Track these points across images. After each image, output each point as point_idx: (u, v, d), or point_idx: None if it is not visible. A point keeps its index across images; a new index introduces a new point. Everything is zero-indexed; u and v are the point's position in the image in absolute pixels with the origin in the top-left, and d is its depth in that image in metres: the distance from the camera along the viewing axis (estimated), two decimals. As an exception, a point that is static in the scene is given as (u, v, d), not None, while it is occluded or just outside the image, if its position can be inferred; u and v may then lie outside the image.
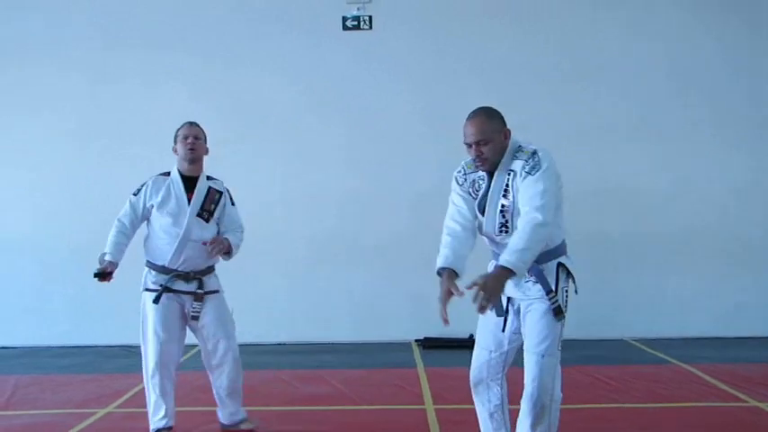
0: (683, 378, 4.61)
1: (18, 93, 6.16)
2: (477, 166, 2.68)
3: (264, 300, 6.07)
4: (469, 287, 2.40)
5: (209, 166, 6.46)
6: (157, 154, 6.03)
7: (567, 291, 2.68)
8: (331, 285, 6.08)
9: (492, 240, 2.71)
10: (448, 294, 2.59)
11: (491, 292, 2.38)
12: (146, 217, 3.54)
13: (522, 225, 2.47)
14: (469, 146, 2.65)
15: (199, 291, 3.47)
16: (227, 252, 3.56)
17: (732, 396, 4.13)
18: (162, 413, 3.43)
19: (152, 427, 3.44)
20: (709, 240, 5.85)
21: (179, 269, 3.45)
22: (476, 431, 3.55)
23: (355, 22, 6.14)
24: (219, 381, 3.57)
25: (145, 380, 3.49)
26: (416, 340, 5.92)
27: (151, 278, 3.51)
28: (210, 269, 3.60)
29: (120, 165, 6.01)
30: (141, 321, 3.53)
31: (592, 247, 6.09)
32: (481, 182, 2.70)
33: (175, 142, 3.58)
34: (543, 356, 2.62)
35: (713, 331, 5.73)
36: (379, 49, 6.15)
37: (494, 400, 2.82)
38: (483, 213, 2.66)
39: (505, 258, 2.41)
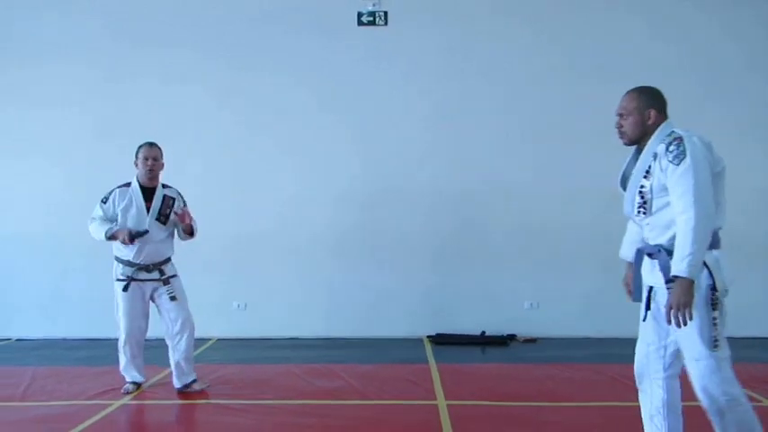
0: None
1: (33, 90, 6.21)
2: (620, 137, 2.82)
3: (278, 295, 6.10)
4: (666, 311, 2.53)
5: (226, 163, 6.55)
6: (171, 151, 6.11)
7: (708, 288, 2.57)
8: (344, 281, 6.10)
9: (633, 221, 2.82)
10: (627, 283, 2.93)
11: (682, 305, 2.48)
12: (113, 220, 4.27)
13: (680, 227, 2.50)
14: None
15: (163, 277, 4.32)
16: (191, 231, 4.43)
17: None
18: (134, 372, 4.35)
19: (128, 378, 4.35)
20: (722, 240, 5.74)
21: (141, 263, 4.27)
22: (486, 426, 3.59)
23: (371, 18, 6.14)
24: (179, 347, 4.29)
25: (118, 347, 4.40)
26: (428, 336, 5.92)
27: (119, 270, 4.30)
28: (168, 260, 4.40)
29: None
30: (114, 305, 4.36)
31: (600, 246, 6.05)
32: (628, 161, 2.81)
33: (137, 158, 4.33)
34: (698, 360, 2.59)
35: (727, 331, 5.65)
36: (394, 45, 6.14)
37: (655, 401, 2.80)
38: (624, 188, 2.78)
39: (676, 268, 2.48)
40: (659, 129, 2.68)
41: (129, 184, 4.33)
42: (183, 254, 6.00)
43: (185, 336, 4.31)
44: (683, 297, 2.47)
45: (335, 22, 6.16)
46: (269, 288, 6.12)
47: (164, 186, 4.40)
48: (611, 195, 5.90)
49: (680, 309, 2.47)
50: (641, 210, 2.67)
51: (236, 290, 6.16)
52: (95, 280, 6.09)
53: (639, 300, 2.80)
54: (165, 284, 4.30)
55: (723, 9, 6.10)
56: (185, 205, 4.45)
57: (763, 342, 5.67)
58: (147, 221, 4.23)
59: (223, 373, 4.75)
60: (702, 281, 2.60)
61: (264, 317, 6.10)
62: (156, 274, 4.30)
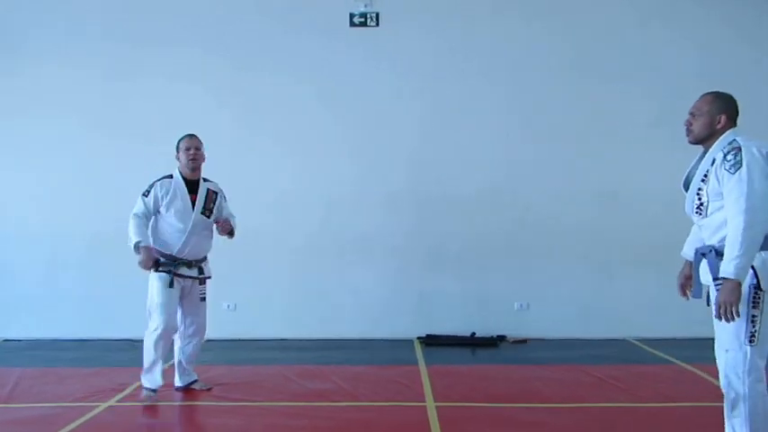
0: (686, 378, 4.61)
1: (31, 88, 6.15)
2: (687, 135, 2.92)
3: (268, 296, 6.09)
4: (716, 308, 2.69)
5: (219, 162, 6.50)
6: (166, 151, 6.07)
7: (755, 286, 2.69)
8: (335, 282, 6.09)
9: (692, 220, 2.96)
10: (683, 282, 3.10)
11: (729, 303, 2.63)
12: (154, 214, 4.15)
13: (731, 232, 2.64)
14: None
15: (201, 275, 4.25)
16: (231, 232, 4.36)
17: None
18: (158, 376, 4.09)
19: (149, 385, 4.07)
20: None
21: (185, 258, 4.15)
22: (475, 428, 3.59)
23: (362, 19, 6.14)
24: (186, 349, 4.29)
25: (147, 343, 4.11)
26: (418, 338, 5.92)
27: (161, 262, 4.13)
28: (205, 258, 4.34)
29: (132, 160, 6.03)
30: (149, 296, 4.15)
31: (591, 248, 6.10)
32: (693, 163, 2.94)
33: (178, 151, 4.22)
34: (727, 351, 2.73)
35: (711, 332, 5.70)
36: (385, 46, 6.14)
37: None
38: (687, 189, 2.91)
39: (724, 270, 2.64)
40: (724, 135, 2.83)
41: (170, 177, 4.19)
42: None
43: (195, 340, 4.30)
44: (728, 296, 2.63)
45: (327, 23, 6.16)
46: (259, 289, 6.10)
47: (205, 180, 4.30)
48: (604, 197, 6.04)
49: (726, 307, 2.64)
50: (699, 211, 2.84)
51: (225, 290, 6.09)
52: (87, 280, 6.08)
53: (699, 296, 2.97)
54: (201, 284, 4.24)
55: (734, 10, 6.12)
56: (226, 201, 4.41)
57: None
58: (193, 216, 4.12)
59: (213, 375, 4.72)
60: (747, 279, 2.73)
61: (254, 318, 6.08)
62: (195, 272, 4.21)
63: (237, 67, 6.12)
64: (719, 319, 2.68)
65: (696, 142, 2.91)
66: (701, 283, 2.94)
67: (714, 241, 2.80)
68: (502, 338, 5.91)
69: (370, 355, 5.39)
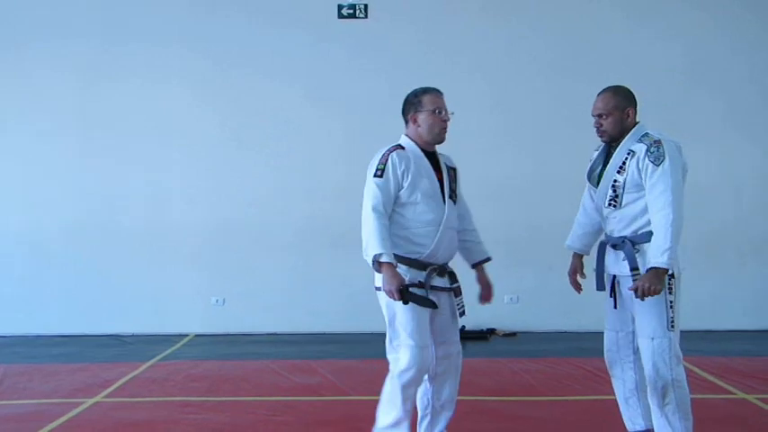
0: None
1: (15, 88, 6.09)
2: (600, 136, 2.92)
3: (257, 290, 6.05)
4: (631, 288, 2.70)
5: (206, 156, 6.44)
6: (153, 145, 6.05)
7: (669, 275, 2.74)
8: (325, 276, 6.06)
9: (600, 213, 2.95)
10: (573, 273, 3.14)
11: (654, 291, 2.65)
12: (394, 199, 2.89)
13: (659, 223, 2.68)
14: (594, 118, 2.92)
15: (455, 285, 2.97)
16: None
17: (721, 388, 4.14)
18: None
19: None
20: (695, 234, 5.79)
21: (437, 262, 2.90)
22: (464, 422, 3.57)
23: (351, 11, 6.09)
24: (439, 392, 2.99)
25: (393, 389, 2.91)
26: (408, 331, 5.90)
27: (406, 274, 2.82)
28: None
29: (117, 158, 6.01)
30: (391, 317, 2.89)
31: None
32: (596, 155, 2.98)
33: (414, 111, 3.00)
34: (653, 339, 2.76)
35: (702, 324, 5.70)
36: (374, 39, 6.09)
37: (628, 383, 2.98)
38: (596, 185, 2.92)
39: (656, 260, 2.66)
40: (635, 128, 2.86)
41: (401, 147, 2.94)
42: (159, 247, 6.00)
43: (450, 377, 2.98)
44: (656, 284, 2.65)
45: (316, 15, 6.10)
46: (248, 283, 6.06)
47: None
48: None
49: (651, 293, 2.65)
50: (612, 203, 2.83)
51: (214, 285, 6.09)
52: (74, 275, 6.01)
53: (603, 289, 3.01)
54: (456, 295, 2.93)
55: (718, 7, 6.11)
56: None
57: (739, 335, 5.72)
58: (447, 202, 2.87)
59: (200, 370, 4.70)
60: None
61: (243, 312, 6.05)
62: (446, 281, 2.92)
63: (222, 60, 6.07)
64: (642, 298, 2.68)
65: (612, 141, 2.91)
66: (603, 275, 2.98)
67: (628, 232, 2.82)
68: (492, 332, 5.90)
69: (360, 349, 5.36)
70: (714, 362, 4.70)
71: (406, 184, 2.83)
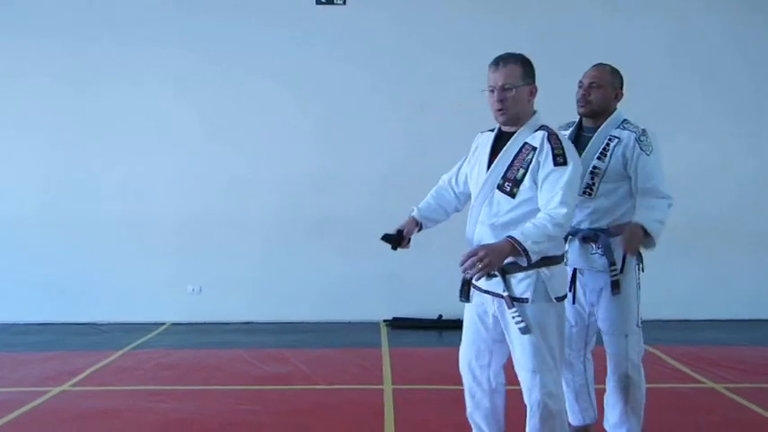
0: (644, 359, 4.63)
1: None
2: (581, 107, 2.73)
3: (234, 279, 6.00)
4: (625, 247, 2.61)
5: (182, 143, 6.35)
6: (130, 133, 5.98)
7: (637, 267, 2.72)
8: (301, 265, 6.02)
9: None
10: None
11: (635, 246, 2.61)
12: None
13: (659, 204, 2.63)
14: (581, 86, 2.73)
15: (503, 292, 2.57)
16: None
17: (691, 377, 4.16)
18: None
19: None
20: (670, 224, 5.79)
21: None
22: (431, 411, 3.58)
23: (329, -3, 6.01)
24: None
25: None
26: (385, 320, 5.90)
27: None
28: None
29: (92, 147, 5.95)
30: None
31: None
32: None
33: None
34: (627, 336, 2.70)
35: (677, 314, 5.72)
36: (352, 25, 6.02)
37: (578, 379, 2.88)
38: None
39: (649, 224, 2.59)
40: (617, 113, 2.73)
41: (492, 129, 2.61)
42: (137, 235, 5.95)
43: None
44: (638, 242, 2.61)
45: (293, 1, 6.02)
46: (225, 271, 6.02)
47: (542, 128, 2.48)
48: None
49: (632, 249, 2.59)
50: (588, 191, 2.65)
51: (191, 273, 6.05)
52: (50, 263, 5.94)
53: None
54: (509, 306, 2.38)
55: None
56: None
57: (713, 324, 5.74)
58: (485, 192, 2.50)
59: (172, 359, 4.67)
60: (632, 263, 2.72)
61: (220, 301, 6.01)
62: (494, 284, 2.45)
63: (197, 50, 5.92)
64: (614, 290, 2.62)
65: (589, 115, 2.73)
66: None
67: (604, 224, 2.69)
68: (469, 321, 5.89)
69: (334, 338, 5.36)
70: (686, 351, 4.71)
71: (467, 167, 2.69)
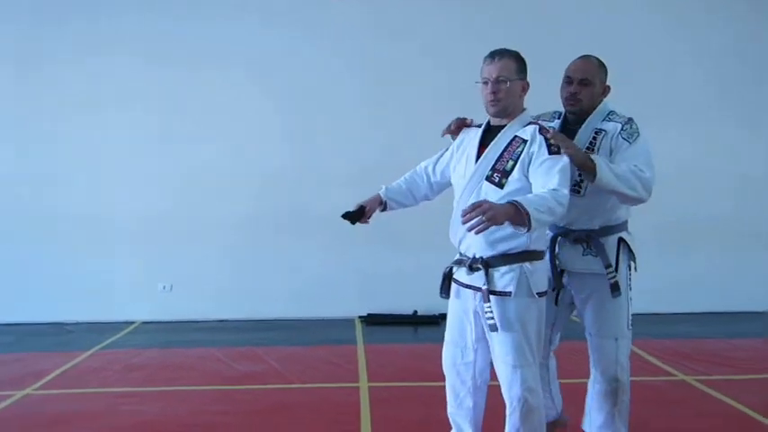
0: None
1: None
2: (570, 105, 2.59)
3: (206, 276, 5.89)
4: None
5: (152, 138, 6.15)
6: (96, 125, 5.82)
7: (629, 266, 2.65)
8: (274, 261, 5.93)
9: None
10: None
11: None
12: None
13: (642, 176, 2.44)
14: (569, 82, 2.58)
15: (482, 285, 2.55)
16: None
17: (663, 370, 4.19)
18: None
19: None
20: (645, 219, 5.80)
21: (465, 253, 2.71)
22: (406, 407, 3.54)
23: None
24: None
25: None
26: (360, 317, 5.84)
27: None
28: None
29: (56, 142, 5.77)
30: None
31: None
32: None
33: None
34: (617, 339, 2.62)
35: (649, 307, 5.74)
36: (321, 17, 5.92)
37: (544, 377, 2.76)
38: None
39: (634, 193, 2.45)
40: (602, 104, 2.61)
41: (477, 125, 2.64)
42: (105, 232, 5.80)
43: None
44: (572, 147, 2.41)
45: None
46: (196, 269, 5.90)
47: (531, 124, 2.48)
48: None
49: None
50: (576, 189, 2.52)
51: (161, 271, 5.92)
52: (14, 261, 5.75)
53: (561, 287, 2.72)
54: (486, 299, 2.39)
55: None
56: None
57: (687, 317, 5.81)
58: (472, 183, 2.49)
59: (141, 359, 4.56)
60: (623, 261, 2.64)
61: (191, 299, 5.89)
62: (475, 277, 2.47)
63: (162, 43, 5.79)
64: (615, 293, 2.51)
65: (578, 114, 2.58)
66: (555, 272, 2.64)
67: (595, 225, 2.60)
68: (444, 317, 5.84)
69: (309, 336, 5.29)
70: (659, 344, 4.75)
71: (451, 160, 2.68)
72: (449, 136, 2.71)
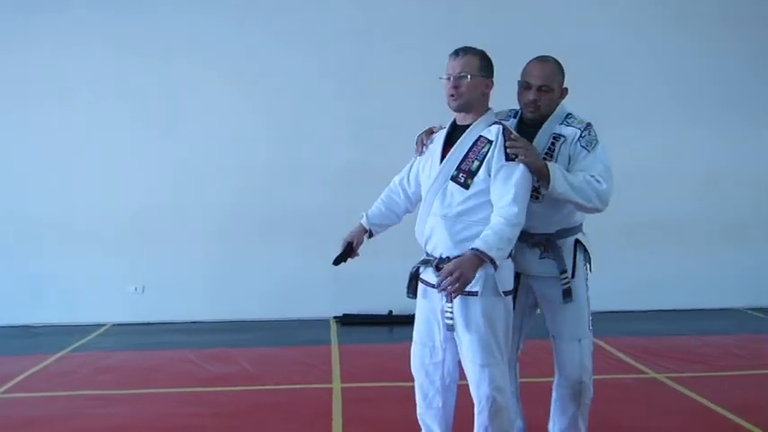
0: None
1: None
2: (529, 112, 2.54)
3: (179, 277, 5.81)
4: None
5: (123, 137, 6.02)
6: (68, 124, 5.71)
7: (586, 267, 2.65)
8: (248, 262, 5.86)
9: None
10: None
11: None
12: None
13: (598, 188, 2.43)
14: (528, 88, 2.52)
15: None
16: None
17: (634, 368, 4.22)
18: None
19: None
20: (616, 219, 5.85)
21: (432, 253, 2.72)
22: (379, 408, 3.53)
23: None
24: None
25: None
26: (335, 317, 5.82)
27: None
28: None
29: (25, 142, 5.65)
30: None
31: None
32: None
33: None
34: (580, 340, 2.62)
35: (621, 306, 5.79)
36: (301, 13, 5.87)
37: (511, 386, 2.70)
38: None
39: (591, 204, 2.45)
40: (559, 107, 2.57)
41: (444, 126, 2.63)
42: (74, 233, 5.69)
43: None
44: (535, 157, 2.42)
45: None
46: (169, 270, 5.81)
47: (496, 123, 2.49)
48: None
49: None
50: (534, 194, 2.46)
51: (133, 272, 5.83)
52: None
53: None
54: (448, 300, 2.37)
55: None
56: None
57: (659, 315, 5.89)
58: (438, 183, 2.49)
59: (111, 362, 4.48)
60: (581, 261, 2.65)
61: (163, 300, 5.81)
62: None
63: (139, 40, 5.70)
64: (566, 298, 2.51)
65: (538, 119, 2.54)
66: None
67: (552, 229, 2.57)
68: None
69: (282, 336, 5.25)
70: (630, 342, 4.79)
71: (418, 164, 2.71)
72: (424, 149, 2.66)
